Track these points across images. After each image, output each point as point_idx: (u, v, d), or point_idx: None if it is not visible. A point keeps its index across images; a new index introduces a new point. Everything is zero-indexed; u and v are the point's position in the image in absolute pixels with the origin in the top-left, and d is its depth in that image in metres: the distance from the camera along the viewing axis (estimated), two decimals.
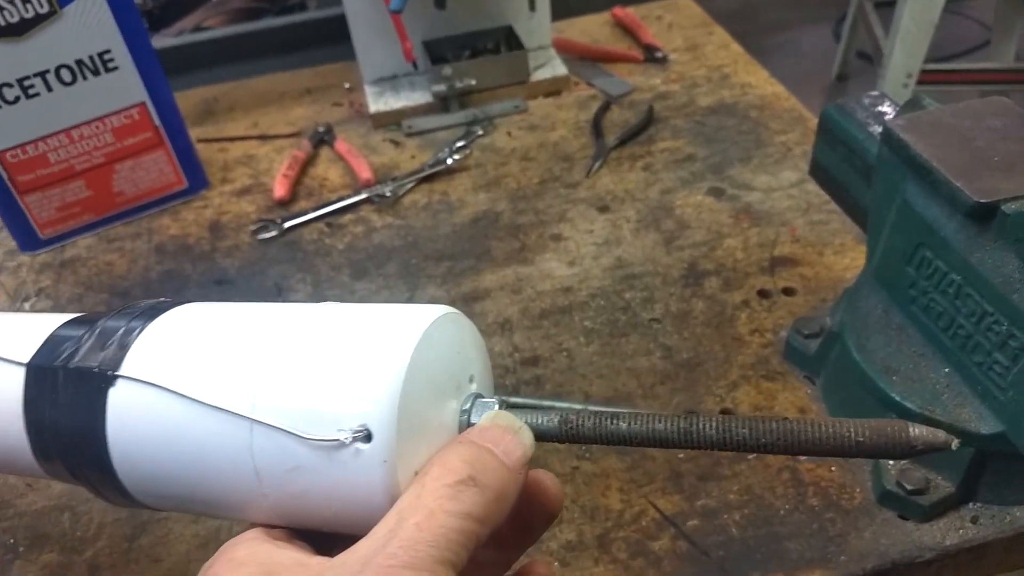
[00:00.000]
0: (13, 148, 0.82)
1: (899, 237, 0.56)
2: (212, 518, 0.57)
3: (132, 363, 0.34)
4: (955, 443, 0.29)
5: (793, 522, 0.55)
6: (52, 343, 0.37)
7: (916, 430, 0.28)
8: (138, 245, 0.88)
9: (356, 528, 0.31)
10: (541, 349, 0.69)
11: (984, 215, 0.49)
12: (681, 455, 0.60)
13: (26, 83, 0.79)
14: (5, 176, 0.83)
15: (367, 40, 1.01)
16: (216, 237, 0.87)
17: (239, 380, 0.31)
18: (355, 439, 0.29)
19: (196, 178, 0.93)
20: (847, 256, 0.74)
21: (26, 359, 0.36)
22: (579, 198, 0.86)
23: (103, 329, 0.36)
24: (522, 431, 0.31)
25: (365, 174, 0.90)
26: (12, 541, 0.60)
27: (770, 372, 0.65)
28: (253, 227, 0.87)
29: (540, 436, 0.33)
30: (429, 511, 0.28)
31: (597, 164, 0.90)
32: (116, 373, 0.33)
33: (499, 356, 0.68)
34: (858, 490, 0.57)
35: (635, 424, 0.31)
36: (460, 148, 0.93)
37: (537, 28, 1.04)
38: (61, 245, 0.89)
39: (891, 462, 0.56)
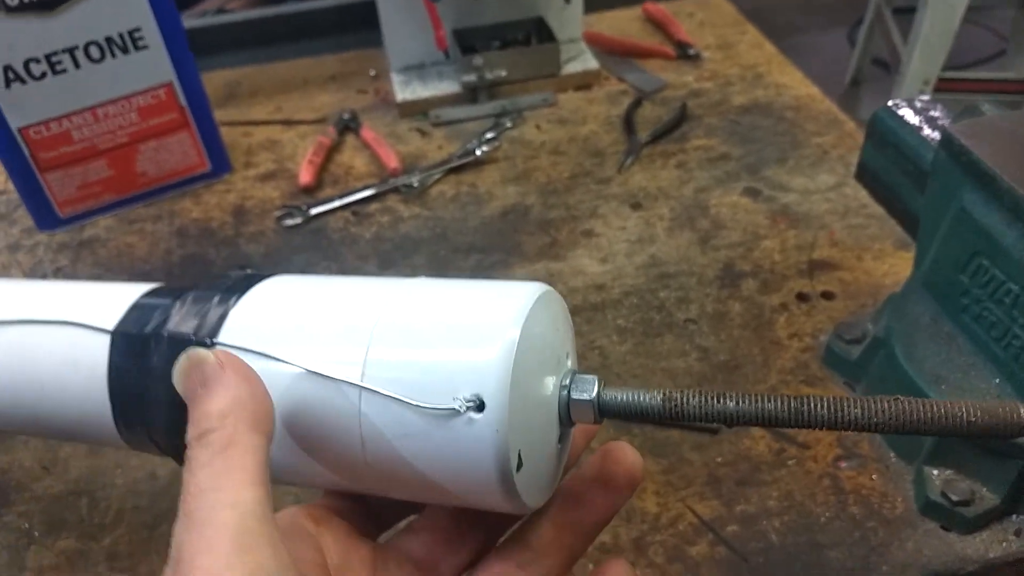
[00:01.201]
0: (37, 124, 0.80)
1: (954, 244, 0.54)
2: (300, 486, 0.57)
3: (230, 331, 0.33)
4: None
5: (834, 530, 0.54)
6: (138, 310, 0.36)
7: None
8: (159, 228, 0.86)
9: (456, 497, 0.31)
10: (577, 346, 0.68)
11: None
12: (719, 459, 0.59)
13: (54, 59, 0.78)
14: (27, 153, 0.81)
15: (396, 27, 0.99)
16: (240, 222, 0.86)
17: (347, 348, 0.31)
18: (468, 408, 0.29)
19: (220, 161, 0.91)
20: (886, 262, 0.73)
21: (111, 326, 0.36)
22: (611, 194, 0.85)
23: (195, 297, 0.35)
24: (204, 359, 0.29)
25: (392, 163, 0.89)
26: (27, 526, 0.58)
27: (810, 377, 0.64)
28: (278, 213, 0.85)
29: (642, 414, 0.32)
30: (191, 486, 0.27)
31: (629, 160, 0.88)
32: (215, 340, 0.33)
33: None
34: (900, 499, 0.56)
35: (743, 403, 0.30)
36: (489, 140, 0.91)
37: (569, 21, 1.03)
38: (80, 225, 0.88)
39: (935, 471, 0.55)
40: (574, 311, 0.71)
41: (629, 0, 1.18)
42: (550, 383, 0.32)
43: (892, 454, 0.58)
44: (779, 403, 0.30)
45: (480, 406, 0.29)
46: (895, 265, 0.72)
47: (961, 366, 0.55)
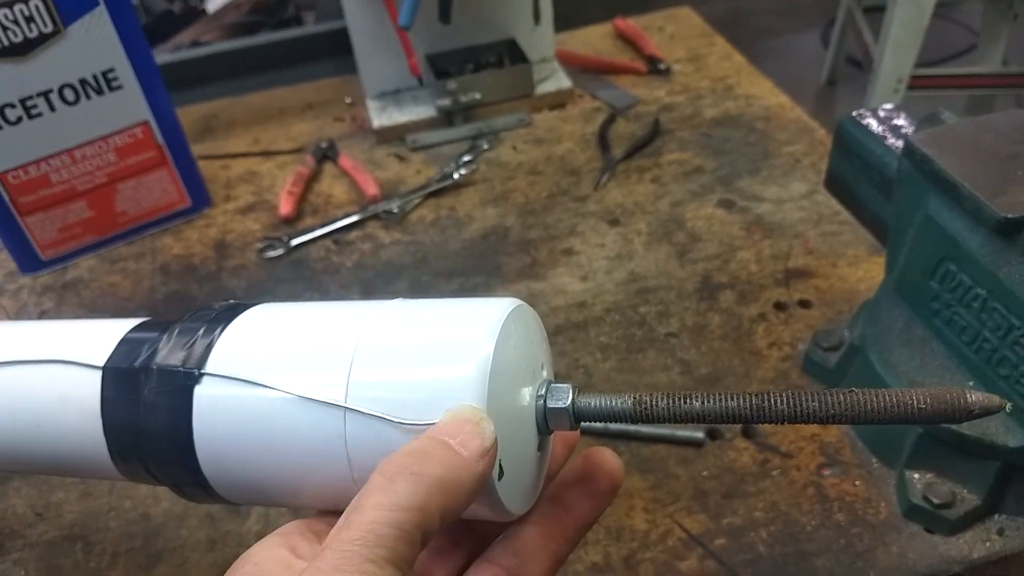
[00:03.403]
0: (15, 169, 0.81)
1: (922, 251, 0.55)
2: (295, 508, 0.57)
3: (217, 360, 0.34)
4: (1008, 406, 0.30)
5: (820, 538, 0.55)
6: (127, 345, 0.37)
7: (973, 396, 0.30)
8: (142, 266, 0.87)
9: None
10: (557, 366, 0.69)
11: (1011, 230, 0.49)
12: (705, 472, 0.59)
13: (29, 103, 0.78)
14: (6, 197, 0.82)
15: (370, 54, 1.00)
16: (222, 256, 0.86)
17: (329, 371, 0.32)
18: None
19: (199, 196, 0.92)
20: (861, 268, 0.74)
21: (101, 362, 0.37)
22: (589, 212, 0.86)
23: (182, 329, 0.36)
24: (482, 422, 0.30)
25: (372, 190, 0.89)
26: (23, 573, 0.59)
27: (790, 386, 0.65)
28: (259, 245, 0.86)
29: (615, 417, 0.34)
30: (361, 507, 0.28)
31: (605, 177, 0.89)
32: (202, 371, 0.34)
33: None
34: (883, 504, 0.57)
35: (708, 403, 0.32)
36: (467, 163, 0.92)
37: (540, 41, 1.04)
38: (63, 267, 0.88)
39: (916, 475, 0.56)
40: (556, 330, 0.72)
41: (599, 17, 1.19)
42: (527, 393, 0.34)
43: (874, 460, 0.59)
44: (741, 401, 0.32)
45: None
46: (869, 271, 0.74)
47: (935, 370, 0.56)
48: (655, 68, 1.07)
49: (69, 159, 0.83)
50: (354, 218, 0.87)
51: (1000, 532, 0.55)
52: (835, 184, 0.68)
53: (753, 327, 0.70)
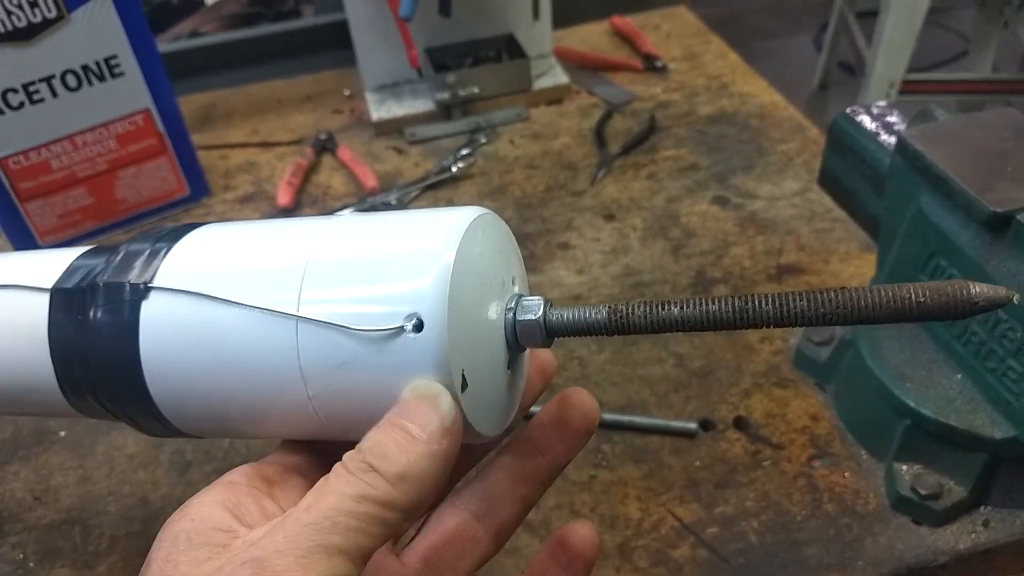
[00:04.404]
0: (15, 155, 0.81)
1: (913, 246, 0.57)
2: (254, 438, 0.56)
3: (165, 275, 0.33)
4: (1016, 297, 0.28)
5: (810, 528, 0.56)
6: (73, 270, 0.35)
7: (976, 288, 0.27)
8: None
9: None
10: (554, 357, 0.69)
11: (1000, 224, 0.50)
12: (697, 463, 0.60)
13: (31, 88, 0.78)
14: (6, 183, 0.82)
15: (369, 47, 1.01)
16: None
17: (280, 280, 0.30)
18: (406, 327, 0.28)
19: (198, 186, 0.92)
20: (852, 264, 0.75)
21: (50, 284, 0.35)
22: (585, 206, 0.86)
23: (128, 251, 0.34)
24: (439, 398, 0.28)
25: (370, 182, 0.90)
26: (21, 556, 0.59)
27: (781, 380, 0.66)
28: None
29: (590, 330, 0.32)
30: (323, 492, 0.27)
31: (601, 172, 0.90)
32: (149, 285, 0.32)
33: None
34: (872, 495, 0.58)
35: (687, 308, 0.30)
36: (464, 156, 0.93)
37: (539, 36, 1.05)
38: None
39: (904, 467, 0.57)
40: None
41: (597, 14, 1.20)
42: (494, 307, 0.32)
43: (863, 452, 0.60)
44: (723, 304, 0.29)
45: (419, 325, 0.28)
46: (860, 267, 0.75)
47: (924, 363, 0.57)
48: (651, 66, 1.08)
49: (70, 145, 0.83)
50: (352, 210, 0.88)
51: (986, 524, 0.56)
52: (829, 181, 0.69)
53: None
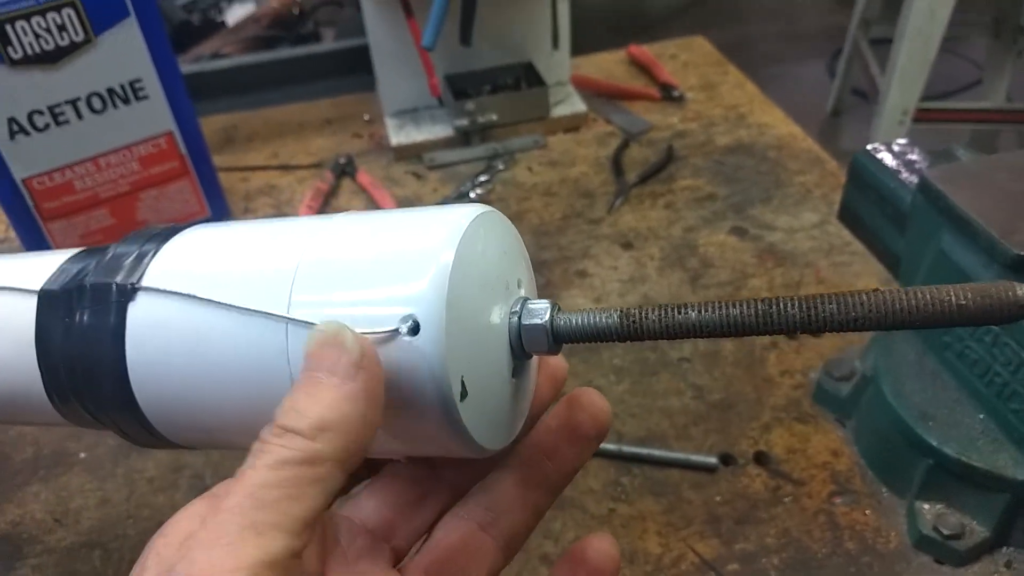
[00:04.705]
0: (40, 175, 0.82)
1: (934, 284, 0.56)
2: (244, 448, 0.55)
3: (153, 275, 0.31)
4: None
5: (831, 566, 0.56)
6: (62, 272, 0.35)
7: (1022, 289, 0.25)
8: None
9: (402, 439, 0.29)
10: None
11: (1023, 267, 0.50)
12: (718, 498, 0.60)
13: (57, 110, 0.79)
14: (30, 203, 0.83)
15: (390, 73, 1.02)
16: None
17: (271, 281, 0.29)
18: (402, 330, 0.26)
19: (219, 207, 0.93)
20: None
21: (37, 286, 0.34)
22: (602, 234, 0.87)
23: (116, 252, 0.33)
24: (340, 333, 0.26)
25: (389, 206, 0.91)
26: None
27: (802, 414, 0.66)
28: None
29: (600, 335, 0.30)
30: (239, 474, 0.24)
31: (619, 201, 0.91)
32: (137, 285, 0.31)
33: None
34: (893, 534, 0.57)
35: (706, 312, 0.28)
36: (483, 182, 0.94)
37: (557, 65, 1.06)
38: None
39: (926, 506, 0.57)
40: (570, 351, 0.73)
41: (614, 43, 1.21)
42: (498, 310, 0.30)
43: (884, 489, 0.60)
44: (746, 308, 0.27)
45: (415, 328, 0.26)
46: None
47: (947, 402, 0.57)
48: (668, 95, 1.08)
49: (93, 167, 0.84)
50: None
51: (1008, 565, 0.55)
52: (849, 216, 0.69)
53: (765, 354, 0.71)
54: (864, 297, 0.26)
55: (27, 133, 0.79)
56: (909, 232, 0.60)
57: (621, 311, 0.29)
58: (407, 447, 0.31)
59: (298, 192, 0.97)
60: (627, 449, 0.63)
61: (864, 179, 0.66)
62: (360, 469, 0.33)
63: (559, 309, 0.31)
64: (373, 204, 0.94)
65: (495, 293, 0.30)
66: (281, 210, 0.95)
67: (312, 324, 0.27)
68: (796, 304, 0.27)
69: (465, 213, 0.29)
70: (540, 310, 0.31)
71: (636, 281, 0.80)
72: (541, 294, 0.78)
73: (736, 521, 0.59)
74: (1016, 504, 0.54)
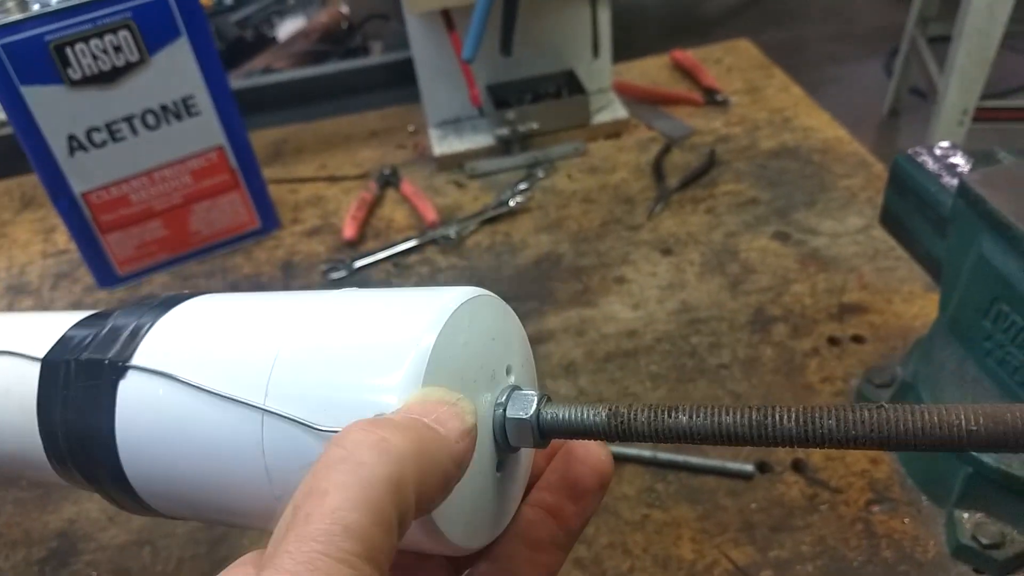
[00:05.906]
0: (98, 189, 0.86)
1: (975, 290, 0.56)
2: (229, 527, 0.56)
3: (144, 354, 0.32)
4: None
5: (867, 574, 0.55)
6: (65, 340, 0.35)
7: None
8: (212, 283, 0.91)
9: None
10: (607, 393, 0.70)
11: None
12: (753, 505, 0.60)
13: (113, 127, 0.83)
14: (88, 216, 0.87)
15: (433, 85, 1.04)
16: (288, 276, 0.90)
17: (252, 368, 0.29)
18: None
19: (269, 219, 0.96)
20: (916, 304, 0.74)
21: (42, 354, 0.35)
22: (641, 240, 0.87)
23: (114, 324, 0.34)
24: (460, 402, 0.26)
25: (431, 216, 0.92)
26: (95, 574, 0.62)
27: None
28: (324, 267, 0.89)
29: (587, 433, 0.29)
30: (318, 491, 0.22)
31: (659, 206, 0.91)
32: (127, 364, 0.32)
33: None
34: (932, 543, 0.56)
35: (697, 417, 0.27)
36: (523, 190, 0.95)
37: (598, 72, 1.06)
38: (138, 282, 0.93)
39: (965, 515, 0.56)
40: (607, 357, 0.73)
41: (657, 48, 1.21)
42: (483, 400, 0.29)
43: (923, 498, 0.59)
44: (739, 416, 0.26)
45: None
46: (924, 307, 0.73)
47: None
48: (712, 99, 1.08)
49: (148, 181, 0.87)
50: (413, 242, 0.90)
51: None
52: (890, 220, 0.68)
53: (806, 361, 0.70)
54: (866, 414, 0.25)
55: (85, 149, 0.83)
56: (949, 237, 0.59)
57: (610, 409, 0.28)
58: None
59: (344, 203, 1.00)
60: (662, 456, 0.64)
61: (905, 183, 0.65)
62: None
63: (548, 401, 0.30)
64: (415, 213, 0.96)
65: (479, 383, 0.29)
66: (328, 220, 0.97)
67: (286, 417, 0.27)
68: (792, 416, 0.26)
69: (448, 300, 0.28)
70: (526, 402, 0.29)
71: (675, 287, 0.80)
72: (579, 300, 0.80)
73: (771, 528, 0.58)
74: None
